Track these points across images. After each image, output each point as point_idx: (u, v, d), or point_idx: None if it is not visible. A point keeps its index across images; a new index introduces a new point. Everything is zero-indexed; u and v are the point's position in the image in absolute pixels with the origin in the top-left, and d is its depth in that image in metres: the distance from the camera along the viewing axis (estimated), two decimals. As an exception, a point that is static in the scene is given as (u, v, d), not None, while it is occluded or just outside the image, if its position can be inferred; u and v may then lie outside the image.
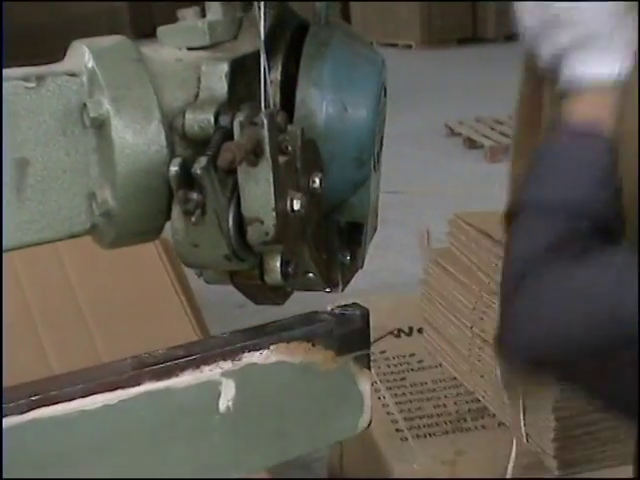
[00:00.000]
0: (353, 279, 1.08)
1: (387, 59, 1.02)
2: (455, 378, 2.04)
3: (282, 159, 0.82)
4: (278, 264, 0.89)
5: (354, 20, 10.92)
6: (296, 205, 0.83)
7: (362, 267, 1.08)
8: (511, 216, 0.97)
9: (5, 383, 0.97)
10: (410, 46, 10.74)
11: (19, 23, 7.46)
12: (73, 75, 0.82)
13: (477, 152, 6.02)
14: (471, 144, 6.19)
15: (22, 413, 0.92)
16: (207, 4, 0.92)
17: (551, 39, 1.05)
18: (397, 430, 1.87)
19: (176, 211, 0.82)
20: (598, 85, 1.02)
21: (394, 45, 10.55)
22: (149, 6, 12.79)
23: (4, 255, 0.86)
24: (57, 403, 0.93)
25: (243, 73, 0.89)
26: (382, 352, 2.19)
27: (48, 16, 8.69)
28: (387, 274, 3.62)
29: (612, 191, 0.91)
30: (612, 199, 0.91)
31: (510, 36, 9.88)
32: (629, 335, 0.81)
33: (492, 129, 6.26)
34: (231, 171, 0.80)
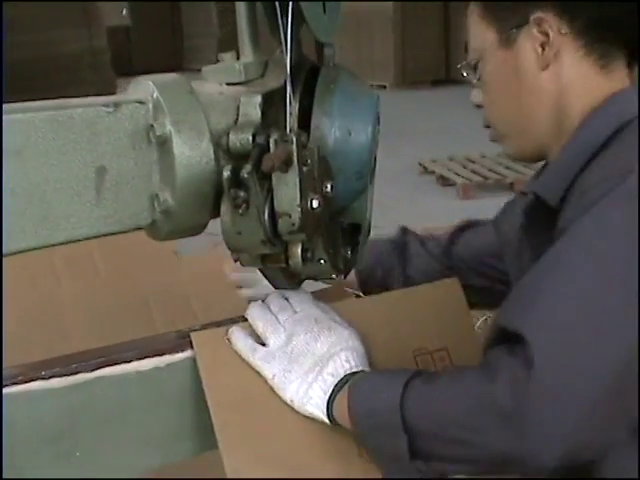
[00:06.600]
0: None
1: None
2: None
3: (305, 169, 1.06)
4: (299, 250, 1.13)
5: (330, 61, 11.17)
6: (315, 204, 1.08)
7: (360, 267, 1.33)
8: None
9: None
10: (384, 87, 10.93)
11: (8, 59, 7.68)
12: (142, 103, 1.06)
13: (450, 189, 6.09)
14: (444, 182, 6.26)
15: (90, 371, 1.14)
16: (241, 50, 1.16)
17: None
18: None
19: (224, 206, 1.06)
20: None
21: (369, 85, 10.77)
22: (127, 47, 13.18)
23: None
24: (117, 364, 1.16)
25: (271, 104, 1.13)
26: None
27: (34, 53, 8.95)
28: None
29: None
30: None
31: (481, 79, 10.12)
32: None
33: (464, 167, 6.38)
34: (267, 176, 1.05)
